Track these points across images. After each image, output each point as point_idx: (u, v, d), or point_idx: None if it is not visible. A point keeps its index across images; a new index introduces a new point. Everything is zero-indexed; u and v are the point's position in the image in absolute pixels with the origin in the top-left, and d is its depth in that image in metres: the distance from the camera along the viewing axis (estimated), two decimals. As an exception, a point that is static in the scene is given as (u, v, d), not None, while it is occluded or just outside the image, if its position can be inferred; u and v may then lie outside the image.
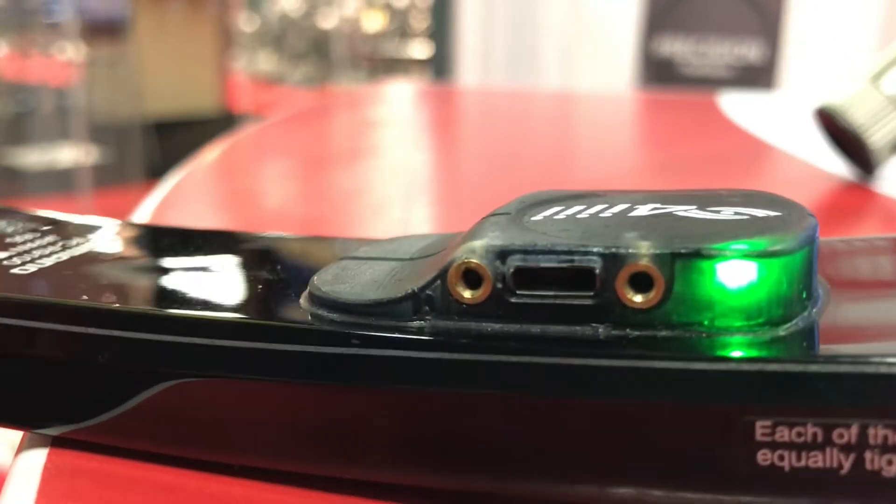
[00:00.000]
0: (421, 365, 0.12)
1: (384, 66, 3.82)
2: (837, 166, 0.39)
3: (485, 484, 0.13)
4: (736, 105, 0.66)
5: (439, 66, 1.66)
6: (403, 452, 0.13)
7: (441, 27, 1.64)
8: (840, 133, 0.36)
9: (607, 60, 1.74)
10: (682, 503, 0.12)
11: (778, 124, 0.57)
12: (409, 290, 0.13)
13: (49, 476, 0.14)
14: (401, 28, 3.93)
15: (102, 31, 2.29)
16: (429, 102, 0.74)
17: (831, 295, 0.13)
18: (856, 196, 0.35)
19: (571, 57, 1.70)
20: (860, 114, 0.35)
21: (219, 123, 2.19)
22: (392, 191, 0.39)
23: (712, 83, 1.76)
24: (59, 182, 2.07)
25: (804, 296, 0.12)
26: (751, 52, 1.78)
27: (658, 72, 1.81)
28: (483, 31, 1.61)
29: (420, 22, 3.76)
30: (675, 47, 1.82)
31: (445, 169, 0.46)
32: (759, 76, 1.76)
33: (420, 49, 3.61)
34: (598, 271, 0.12)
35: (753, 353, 0.11)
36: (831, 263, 0.14)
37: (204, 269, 0.17)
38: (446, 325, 0.12)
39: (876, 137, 0.35)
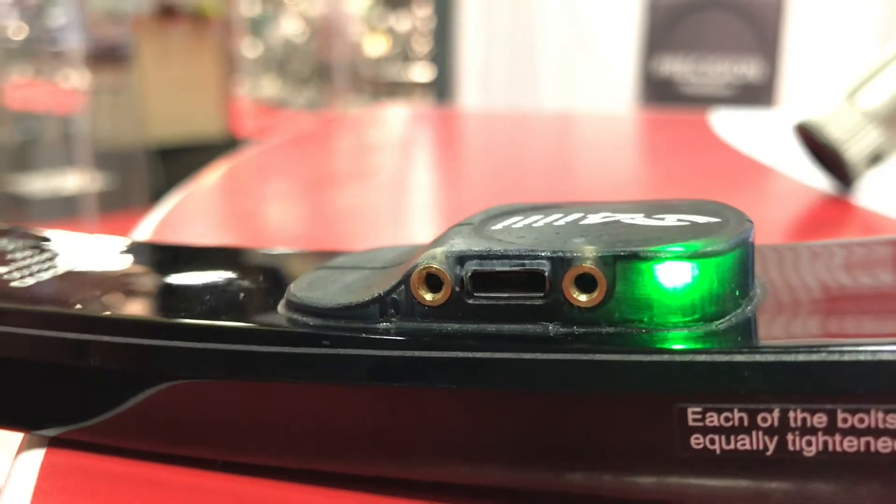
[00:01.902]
0: (387, 363, 0.13)
1: (386, 89, 3.84)
2: (818, 180, 0.40)
3: (444, 473, 0.14)
4: (726, 123, 0.67)
5: (441, 89, 1.68)
6: (373, 446, 0.14)
7: (442, 51, 1.66)
8: (819, 148, 0.37)
9: (607, 81, 1.75)
10: (626, 486, 0.13)
11: (764, 141, 0.58)
12: (376, 294, 0.14)
13: (46, 474, 0.15)
14: (403, 52, 3.96)
15: (106, 58, 2.32)
16: (429, 125, 0.75)
17: (769, 294, 0.14)
18: (835, 209, 0.36)
19: (571, 79, 1.71)
20: (837, 129, 0.36)
21: (223, 148, 2.20)
22: (388, 210, 0.40)
23: (712, 102, 1.77)
24: (65, 208, 2.09)
25: (738, 294, 0.13)
26: (750, 70, 1.80)
27: (658, 91, 1.82)
28: (484, 55, 1.63)
29: (422, 46, 3.79)
30: (674, 67, 1.83)
31: (443, 189, 0.47)
32: (758, 94, 1.77)
33: (422, 73, 3.64)
34: (546, 274, 0.13)
35: (686, 346, 0.12)
36: (774, 265, 0.15)
37: (192, 280, 0.18)
38: (410, 326, 0.13)
39: (853, 152, 0.36)
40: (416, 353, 0.13)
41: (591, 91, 1.74)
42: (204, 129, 2.55)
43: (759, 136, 0.61)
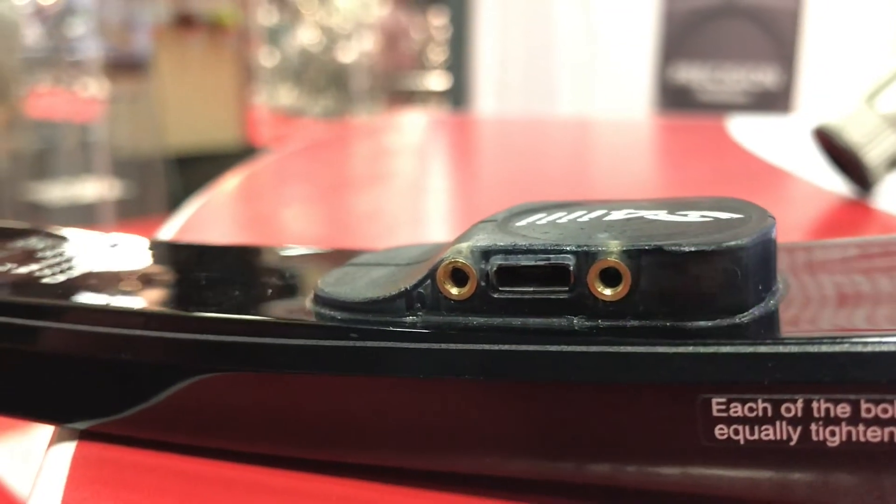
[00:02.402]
0: (413, 355, 0.13)
1: (402, 97, 3.86)
2: (837, 184, 0.40)
3: (469, 464, 0.14)
4: (744, 128, 0.67)
5: (457, 96, 1.68)
6: (399, 437, 0.14)
7: (458, 59, 1.66)
8: (838, 152, 0.37)
9: (623, 88, 1.75)
10: (650, 477, 0.13)
11: (782, 146, 0.58)
12: (402, 289, 0.14)
13: (78, 465, 0.15)
14: (419, 60, 3.97)
15: (125, 67, 2.34)
16: (446, 131, 0.75)
17: (791, 289, 0.14)
18: (854, 212, 0.36)
19: (587, 86, 1.71)
20: (856, 133, 0.36)
21: (240, 156, 2.21)
22: (407, 213, 0.40)
23: (729, 109, 1.77)
24: (83, 216, 2.11)
25: (760, 288, 0.13)
26: (766, 77, 1.79)
27: (674, 98, 1.82)
28: (499, 63, 1.63)
29: (437, 55, 3.80)
30: (691, 74, 1.83)
31: (462, 192, 0.47)
32: (775, 101, 1.77)
33: (438, 81, 3.65)
34: (571, 268, 0.13)
35: (709, 338, 0.12)
36: (796, 261, 0.16)
37: (220, 277, 0.18)
38: (436, 320, 0.14)
39: (872, 156, 0.36)
40: (443, 346, 0.13)
41: (608, 98, 1.74)
42: (221, 137, 2.57)
43: (777, 141, 0.61)
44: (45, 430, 0.17)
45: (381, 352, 0.14)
